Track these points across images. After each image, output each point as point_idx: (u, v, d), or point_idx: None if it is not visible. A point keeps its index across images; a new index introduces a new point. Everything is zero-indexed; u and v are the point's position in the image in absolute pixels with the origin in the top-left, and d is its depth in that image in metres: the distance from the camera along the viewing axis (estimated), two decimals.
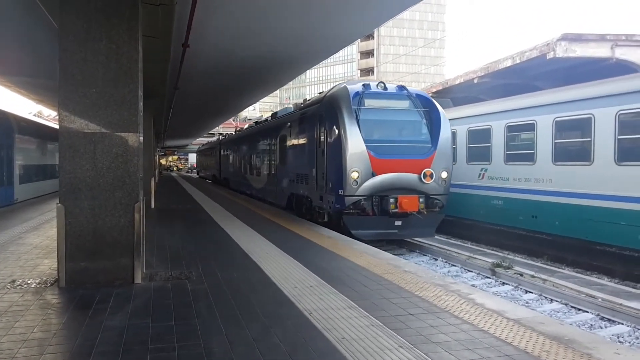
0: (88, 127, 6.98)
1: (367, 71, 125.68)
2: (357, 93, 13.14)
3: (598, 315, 8.37)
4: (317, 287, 6.87)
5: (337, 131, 12.82)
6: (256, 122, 29.58)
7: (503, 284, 10.53)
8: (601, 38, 15.57)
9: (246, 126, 36.74)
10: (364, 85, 13.48)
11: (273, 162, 20.37)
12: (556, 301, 9.23)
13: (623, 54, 15.49)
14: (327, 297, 6.38)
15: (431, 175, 13.00)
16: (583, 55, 15.56)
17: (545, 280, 10.28)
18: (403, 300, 6.33)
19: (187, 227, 13.51)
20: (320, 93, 16.44)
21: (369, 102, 13.24)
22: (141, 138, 7.35)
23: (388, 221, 12.88)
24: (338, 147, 12.67)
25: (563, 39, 15.41)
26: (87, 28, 6.91)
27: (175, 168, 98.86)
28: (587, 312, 8.57)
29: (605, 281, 10.84)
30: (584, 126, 12.63)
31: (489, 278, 10.93)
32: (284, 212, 17.54)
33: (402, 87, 13.88)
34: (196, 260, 8.79)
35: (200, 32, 11.27)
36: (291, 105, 20.77)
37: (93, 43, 6.94)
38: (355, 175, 12.40)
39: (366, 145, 12.57)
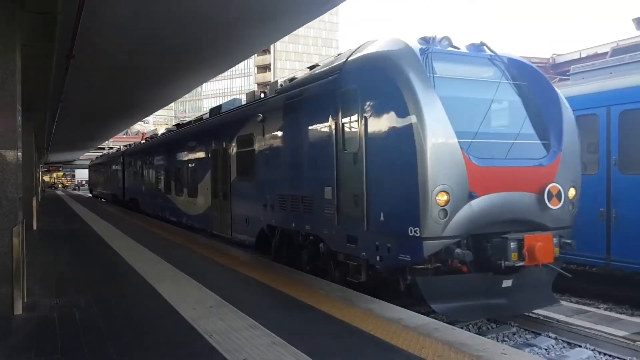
0: None
1: (265, 85, 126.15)
2: (422, 51, 7.55)
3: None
4: (217, 308, 6.70)
5: (398, 117, 7.10)
6: (177, 126, 22.63)
7: None
8: None
9: (162, 131, 28.81)
10: (423, 39, 7.77)
11: (224, 178, 13.82)
12: None
13: None
14: (227, 317, 6.23)
15: (559, 195, 7.47)
16: None
17: None
18: (306, 316, 6.35)
19: (75, 250, 12.63)
20: (309, 68, 10.81)
21: (442, 68, 7.61)
22: (20, 154, 6.78)
23: (492, 282, 7.33)
24: (403, 147, 6.99)
25: None
26: None
27: (60, 185, 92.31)
28: None
29: None
30: None
31: None
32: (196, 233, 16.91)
33: (481, 45, 8.18)
34: (85, 286, 8.23)
35: (87, 42, 10.65)
36: (241, 96, 14.82)
37: None
38: (443, 198, 6.69)
39: (459, 143, 6.91)
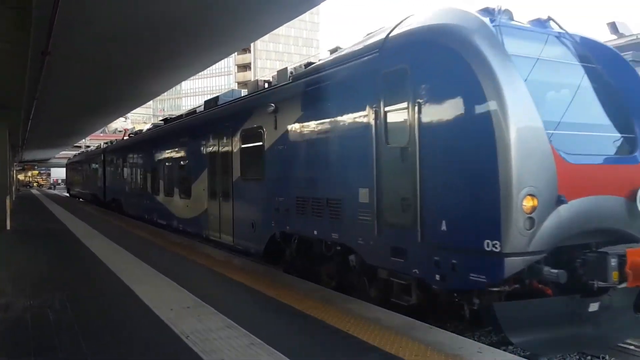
0: None
1: (245, 84, 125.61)
2: (491, 22, 6.25)
3: None
4: (194, 308, 6.64)
5: (471, 103, 5.84)
6: (165, 121, 20.45)
7: None
8: None
9: (146, 127, 26.71)
10: (484, 11, 6.54)
11: (224, 177, 12.18)
12: None
13: None
14: (205, 318, 6.18)
15: None
16: None
17: None
18: (283, 316, 6.34)
19: (50, 250, 12.41)
20: (330, 52, 9.51)
21: (512, 45, 6.18)
22: None
23: (578, 306, 6.14)
24: (477, 139, 5.76)
25: None
26: None
27: (35, 184, 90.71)
28: None
29: None
30: None
31: None
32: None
33: (547, 21, 6.99)
34: (60, 286, 8.08)
35: (63, 38, 10.48)
36: (234, 89, 13.53)
37: None
38: (529, 203, 5.48)
39: (547, 135, 5.71)
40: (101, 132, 59.40)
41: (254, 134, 10.58)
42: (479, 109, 5.68)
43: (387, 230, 6.79)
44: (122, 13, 10.06)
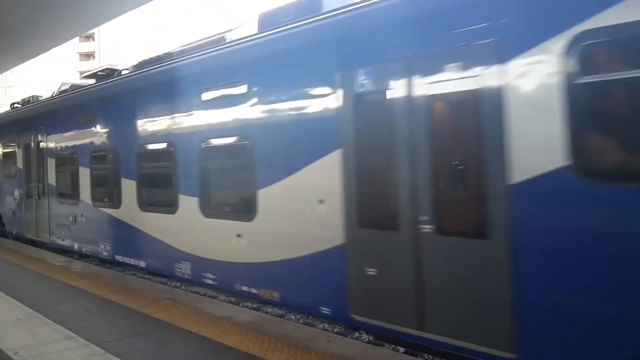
0: None
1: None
2: None
3: None
4: (25, 320, 6.01)
5: None
6: (97, 75, 10.87)
7: None
8: None
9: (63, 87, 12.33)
10: None
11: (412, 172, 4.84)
12: None
13: None
14: (38, 330, 5.62)
15: None
16: None
17: None
18: (128, 321, 6.00)
19: None
20: None
21: None
22: None
23: None
24: None
25: None
26: None
27: None
28: None
29: None
30: None
31: None
32: None
33: None
34: None
35: None
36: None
37: None
38: None
39: None
40: None
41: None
42: None
43: None
44: None
